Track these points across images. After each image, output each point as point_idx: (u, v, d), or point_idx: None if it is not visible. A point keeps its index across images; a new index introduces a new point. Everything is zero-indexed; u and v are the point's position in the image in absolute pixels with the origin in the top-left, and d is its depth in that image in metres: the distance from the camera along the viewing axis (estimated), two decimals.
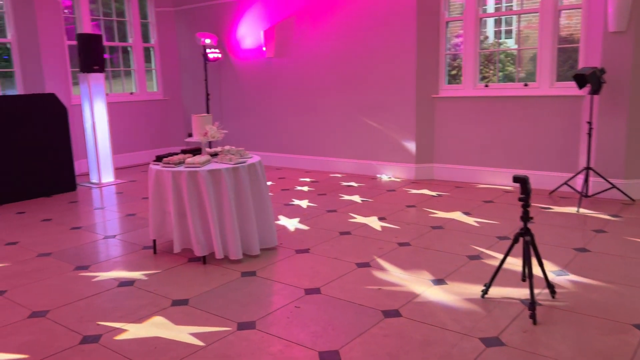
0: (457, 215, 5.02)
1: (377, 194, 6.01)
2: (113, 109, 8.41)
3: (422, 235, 4.44)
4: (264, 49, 7.97)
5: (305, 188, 6.46)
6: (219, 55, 8.39)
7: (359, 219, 5.00)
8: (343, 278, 3.54)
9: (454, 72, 7.33)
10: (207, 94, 8.55)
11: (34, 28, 7.44)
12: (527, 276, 2.93)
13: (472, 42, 6.34)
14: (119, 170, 8.03)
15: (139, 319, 3.01)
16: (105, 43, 8.49)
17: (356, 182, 6.71)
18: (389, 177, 6.95)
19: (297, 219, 5.04)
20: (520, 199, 2.90)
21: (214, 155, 4.31)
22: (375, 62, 6.91)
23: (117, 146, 8.51)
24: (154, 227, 4.08)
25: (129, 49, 8.93)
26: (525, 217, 2.94)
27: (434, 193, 5.99)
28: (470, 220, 4.84)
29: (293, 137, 7.98)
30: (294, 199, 5.86)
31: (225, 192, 3.84)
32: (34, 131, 6.36)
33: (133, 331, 2.87)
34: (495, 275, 3.13)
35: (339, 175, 7.21)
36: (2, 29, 7.47)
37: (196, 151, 4.40)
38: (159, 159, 4.14)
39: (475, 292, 3.24)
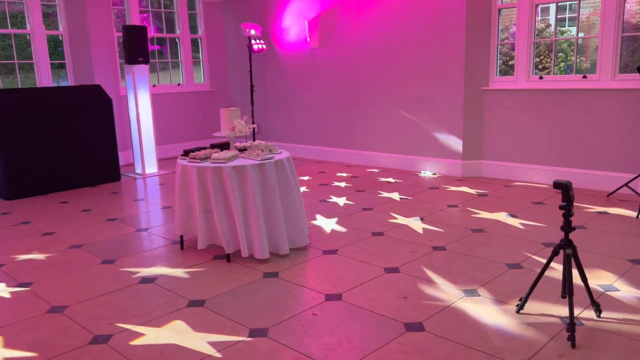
0: (502, 217, 4.69)
1: (418, 192, 5.73)
2: (160, 100, 8.52)
3: (460, 238, 4.16)
4: (308, 39, 7.80)
5: (343, 184, 6.26)
6: (264, 47, 8.29)
7: (395, 218, 4.76)
8: (368, 284, 3.34)
9: (512, 62, 6.90)
10: (252, 86, 8.48)
11: (84, 20, 7.59)
12: (567, 294, 2.62)
13: (525, 30, 5.91)
14: (164, 161, 8.12)
15: (151, 320, 2.94)
16: (154, 34, 8.58)
17: (397, 179, 6.45)
18: (433, 174, 6.63)
19: (331, 218, 4.87)
20: (561, 207, 2.60)
21: (243, 150, 4.19)
22: (421, 53, 6.59)
23: (164, 137, 8.61)
24: (180, 223, 4.02)
25: (177, 40, 8.98)
26: (567, 227, 2.64)
27: (479, 192, 5.65)
28: (516, 223, 4.50)
29: (335, 130, 7.79)
30: (331, 196, 5.68)
31: (250, 189, 3.71)
32: (79, 122, 6.49)
33: (144, 334, 2.79)
34: (533, 288, 2.84)
35: (380, 171, 6.97)
36: (55, 21, 7.67)
37: (226, 146, 4.29)
38: (186, 153, 4.06)
39: (509, 306, 2.96)
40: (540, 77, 5.95)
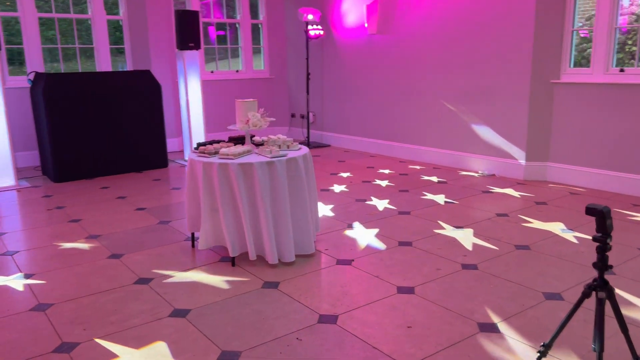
0: (557, 231, 4.06)
1: (468, 195, 5.16)
2: (217, 86, 8.43)
3: (498, 256, 3.61)
4: (366, 24, 7.33)
5: (385, 182, 5.79)
6: (321, 32, 7.92)
7: (432, 226, 4.27)
8: (372, 305, 2.93)
9: (588, 51, 6.05)
10: (308, 73, 8.16)
11: (143, 5, 7.60)
12: (596, 349, 2.08)
13: (606, 15, 5.10)
14: None
15: (125, 330, 2.72)
16: (214, 19, 8.47)
17: (449, 178, 5.88)
18: (491, 175, 5.99)
19: (360, 222, 4.46)
20: (595, 239, 2.05)
21: (260, 144, 3.89)
22: (482, 40, 5.94)
23: (220, 124, 8.53)
24: (189, 220, 3.80)
25: (237, 25, 8.83)
26: (602, 265, 2.09)
27: (538, 198, 4.99)
28: (571, 240, 3.87)
29: (388, 122, 7.30)
30: (371, 197, 5.25)
31: (258, 189, 3.40)
32: (129, 107, 6.50)
33: (108, 346, 2.58)
34: (560, 331, 2.30)
35: (432, 168, 6.42)
36: (116, 5, 7.74)
37: (242, 139, 4.01)
38: (198, 147, 3.82)
39: (530, 351, 2.44)
40: (622, 70, 5.13)
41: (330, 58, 8.15)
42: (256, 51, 9.09)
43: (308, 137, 8.36)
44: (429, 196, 5.17)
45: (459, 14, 6.13)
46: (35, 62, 7.05)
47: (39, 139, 6.59)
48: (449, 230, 4.15)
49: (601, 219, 2.01)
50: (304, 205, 3.60)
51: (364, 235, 4.08)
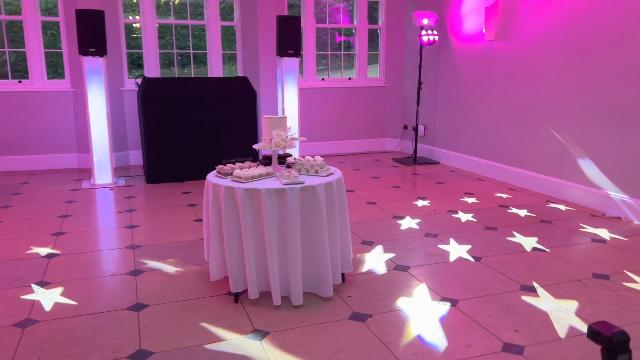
0: None
1: (570, 243, 4.12)
2: (328, 94, 8.14)
3: (560, 346, 2.70)
4: (484, 30, 6.42)
5: (470, 215, 4.92)
6: (435, 38, 7.16)
7: (499, 280, 3.42)
8: None
9: None
10: (420, 83, 7.46)
11: (254, 11, 7.57)
12: None
13: None
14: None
15: None
16: (329, 25, 8.18)
17: (558, 217, 4.81)
18: (617, 218, 4.78)
19: (410, 265, 3.76)
20: None
21: (289, 166, 3.44)
22: (619, 46, 4.75)
23: (328, 134, 8.23)
24: (206, 248, 3.48)
25: (353, 31, 8.43)
26: None
27: None
28: None
29: (503, 142, 6.29)
30: (445, 233, 4.48)
31: (264, 218, 2.96)
32: (223, 113, 6.47)
33: None
34: None
35: (542, 202, 5.33)
36: (231, 12, 7.84)
37: (277, 160, 3.58)
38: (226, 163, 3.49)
39: None
40: None
41: (446, 66, 7.34)
42: (372, 59, 8.60)
43: (415, 152, 7.65)
44: (517, 239, 4.23)
45: (590, 19, 4.99)
46: (152, 67, 7.41)
47: (141, 140, 6.89)
48: (511, 291, 3.27)
49: (611, 350, 1.21)
50: (322, 241, 3.06)
51: (404, 284, 3.40)
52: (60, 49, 7.14)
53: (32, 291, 3.30)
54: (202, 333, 2.78)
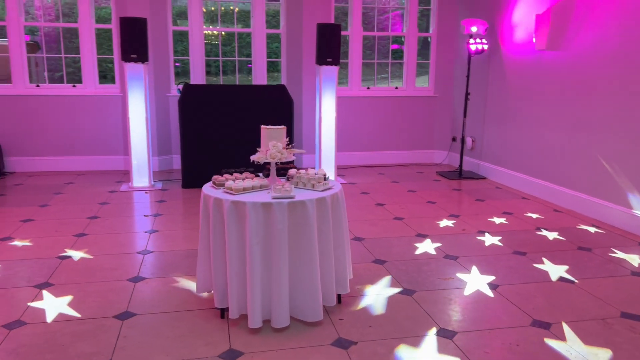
0: None
1: (604, 275, 3.70)
2: (373, 103, 7.97)
3: None
4: (534, 39, 6.01)
5: (497, 238, 4.55)
6: (484, 47, 6.81)
7: (514, 314, 3.11)
8: None
9: None
10: (467, 93, 7.12)
11: (299, 19, 7.53)
12: None
13: None
14: (356, 169, 7.57)
15: None
16: (377, 32, 8.00)
17: (600, 245, 4.36)
18: None
19: (421, 289, 3.51)
20: None
21: (289, 178, 3.31)
22: None
23: (370, 143, 8.05)
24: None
25: (402, 39, 8.20)
26: None
27: None
28: None
29: (551, 159, 5.84)
30: (467, 255, 4.17)
31: (247, 234, 2.84)
32: (258, 121, 6.41)
33: None
34: None
35: (588, 226, 4.87)
36: (277, 21, 7.85)
37: (280, 171, 3.47)
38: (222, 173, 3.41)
39: None
40: None
41: (495, 77, 6.95)
42: (421, 69, 8.32)
43: (460, 165, 7.29)
44: (545, 266, 3.86)
45: None
46: (198, 74, 7.54)
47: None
48: (527, 326, 2.95)
49: None
50: (312, 260, 2.90)
51: (403, 309, 3.16)
52: (112, 55, 7.42)
53: (34, 292, 3.36)
54: (177, 348, 2.70)
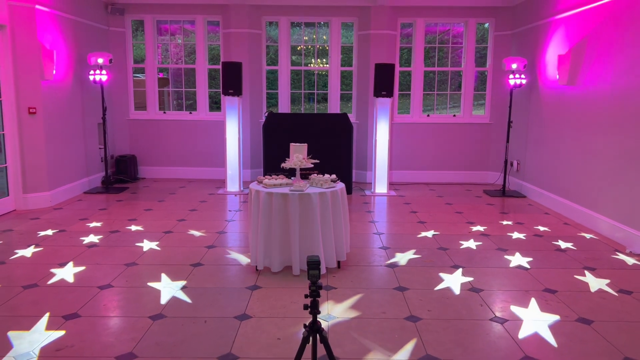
0: None
1: (613, 312, 4.63)
2: (432, 129, 9.19)
3: None
4: (557, 76, 6.95)
5: (517, 255, 5.57)
6: (522, 82, 7.79)
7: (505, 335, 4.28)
8: None
9: None
10: (510, 121, 8.11)
11: (367, 57, 9.03)
12: None
13: None
14: (414, 185, 8.80)
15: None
16: (436, 68, 9.24)
17: (620, 282, 5.22)
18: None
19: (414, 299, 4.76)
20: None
21: (306, 178, 4.79)
22: None
23: (427, 164, 9.24)
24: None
25: (460, 73, 9.35)
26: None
27: None
28: None
29: (571, 179, 6.69)
30: (453, 259, 5.32)
31: (273, 213, 4.37)
32: (324, 142, 8.00)
33: None
34: None
35: (611, 251, 5.43)
36: (350, 61, 9.41)
37: (302, 173, 4.95)
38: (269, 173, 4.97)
39: None
40: None
41: (534, 107, 7.87)
42: (478, 99, 9.37)
43: (504, 185, 8.25)
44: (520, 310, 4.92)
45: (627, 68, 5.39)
46: (284, 104, 9.31)
47: None
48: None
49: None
50: (315, 233, 4.35)
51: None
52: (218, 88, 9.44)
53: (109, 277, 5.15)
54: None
